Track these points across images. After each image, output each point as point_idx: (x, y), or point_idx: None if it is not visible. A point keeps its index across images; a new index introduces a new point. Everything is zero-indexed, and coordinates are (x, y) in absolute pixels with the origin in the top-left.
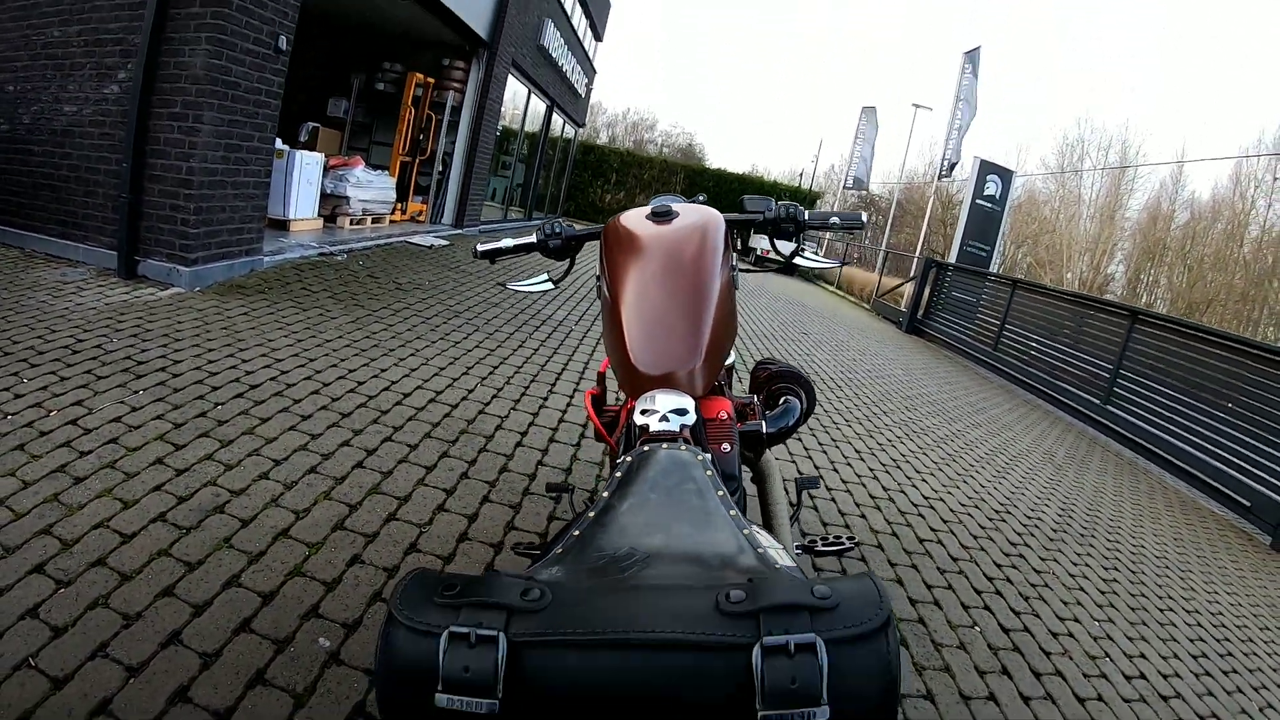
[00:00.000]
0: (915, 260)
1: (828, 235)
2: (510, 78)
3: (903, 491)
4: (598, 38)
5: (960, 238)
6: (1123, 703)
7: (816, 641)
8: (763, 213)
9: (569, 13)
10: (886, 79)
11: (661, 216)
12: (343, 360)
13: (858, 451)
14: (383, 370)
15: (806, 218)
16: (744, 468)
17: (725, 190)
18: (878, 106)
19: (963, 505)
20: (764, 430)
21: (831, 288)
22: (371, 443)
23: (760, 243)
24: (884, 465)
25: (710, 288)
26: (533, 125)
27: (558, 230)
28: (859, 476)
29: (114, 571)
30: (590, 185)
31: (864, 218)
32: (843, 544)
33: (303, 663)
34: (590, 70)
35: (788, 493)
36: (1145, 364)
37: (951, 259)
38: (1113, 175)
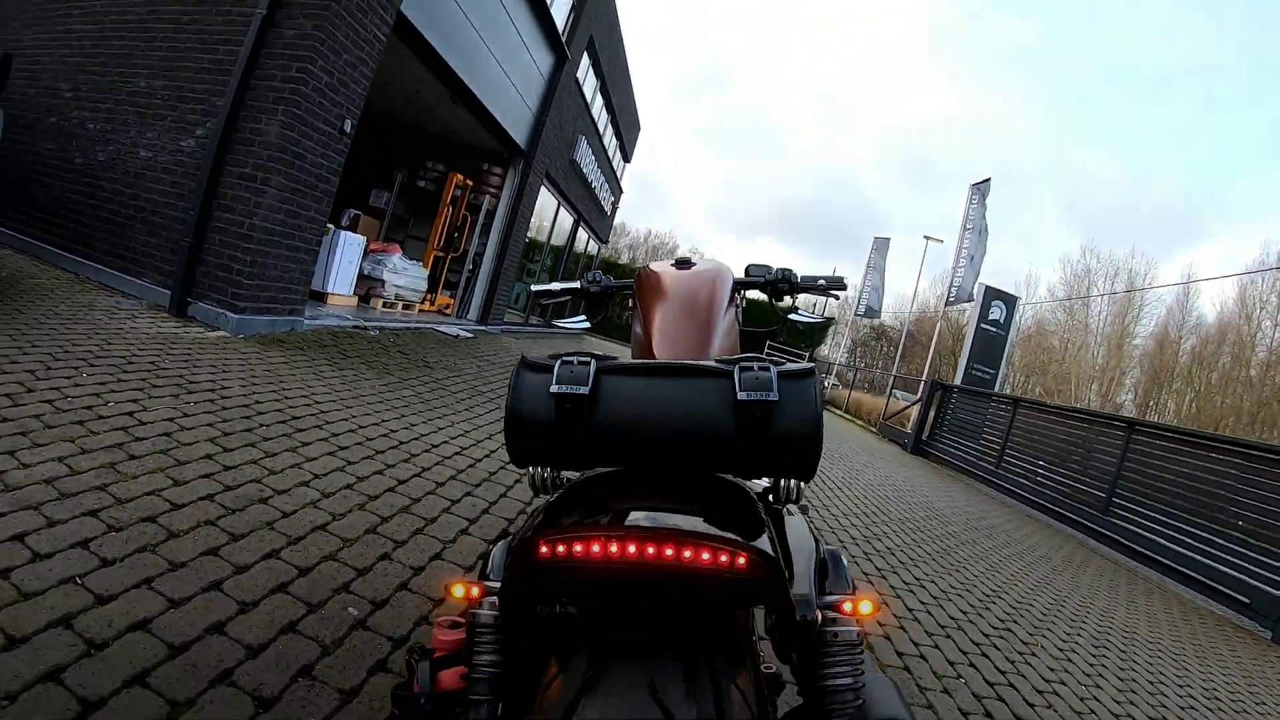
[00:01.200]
0: (921, 384)
1: (836, 366)
2: (543, 188)
3: (895, 572)
4: (626, 158)
5: (965, 361)
6: None
7: (770, 367)
8: (764, 275)
9: (601, 132)
10: (900, 211)
11: (683, 264)
12: (375, 411)
13: (854, 539)
14: (412, 425)
15: (799, 279)
16: None
17: (744, 312)
18: (891, 238)
19: (954, 588)
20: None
21: (840, 411)
22: (402, 475)
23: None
24: (878, 551)
25: (719, 321)
26: (559, 237)
27: (599, 279)
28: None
29: (163, 529)
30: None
31: (845, 280)
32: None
33: (331, 623)
34: (617, 189)
35: None
36: (1142, 472)
37: (957, 381)
38: (1119, 304)
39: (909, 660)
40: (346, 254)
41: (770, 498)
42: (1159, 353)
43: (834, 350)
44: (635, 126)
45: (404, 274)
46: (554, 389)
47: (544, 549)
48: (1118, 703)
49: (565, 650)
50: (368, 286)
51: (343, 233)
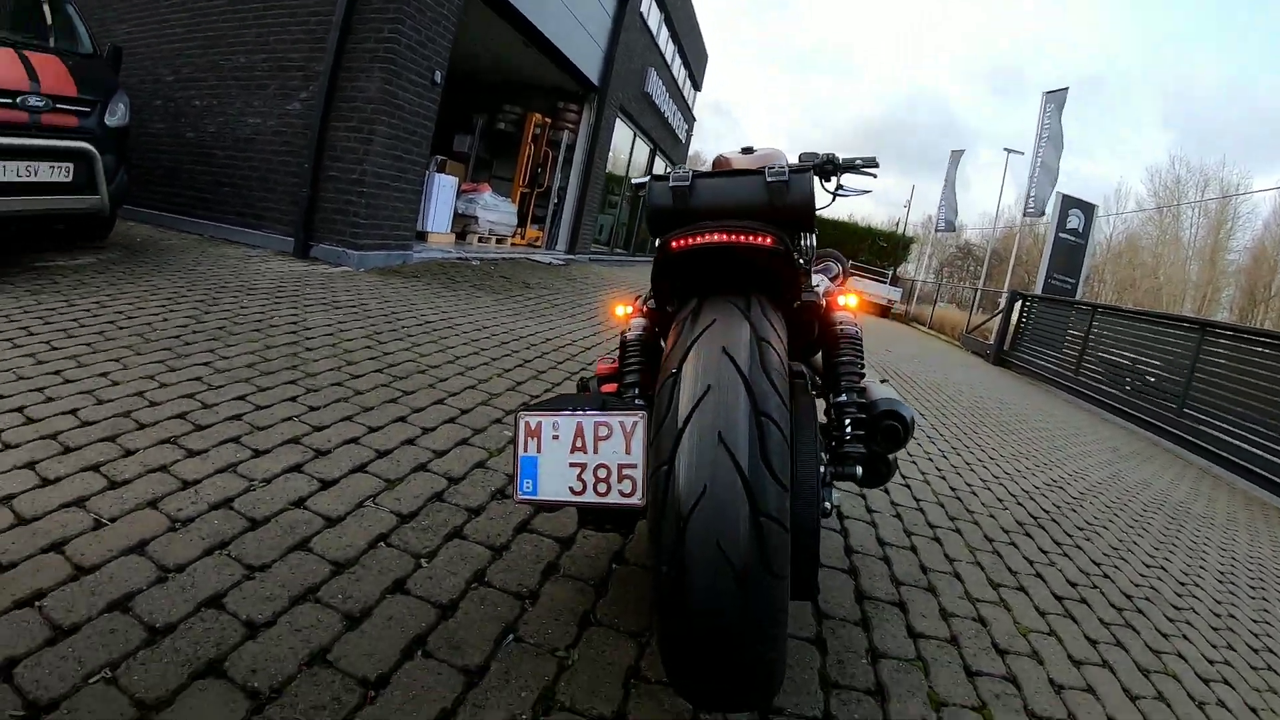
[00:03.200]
0: (1002, 296)
1: (921, 283)
2: (618, 121)
3: (982, 464)
4: (696, 87)
5: (1045, 271)
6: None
7: (786, 170)
8: (812, 160)
9: (669, 62)
10: (988, 124)
11: (747, 150)
12: (493, 318)
13: (948, 442)
14: (524, 327)
15: (841, 160)
16: None
17: (823, 235)
18: (965, 150)
19: (1030, 468)
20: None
21: (924, 328)
22: (528, 356)
23: (853, 285)
24: (963, 445)
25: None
26: (637, 169)
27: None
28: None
29: (350, 389)
30: None
31: (877, 160)
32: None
33: (492, 439)
34: (690, 117)
35: None
36: (1216, 374)
37: (1037, 291)
38: (1212, 217)
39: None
40: (441, 194)
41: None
42: (1255, 267)
43: (918, 269)
44: (703, 55)
45: (495, 210)
46: (671, 184)
47: (674, 244)
48: (1153, 554)
49: (685, 305)
50: (463, 224)
51: (437, 175)
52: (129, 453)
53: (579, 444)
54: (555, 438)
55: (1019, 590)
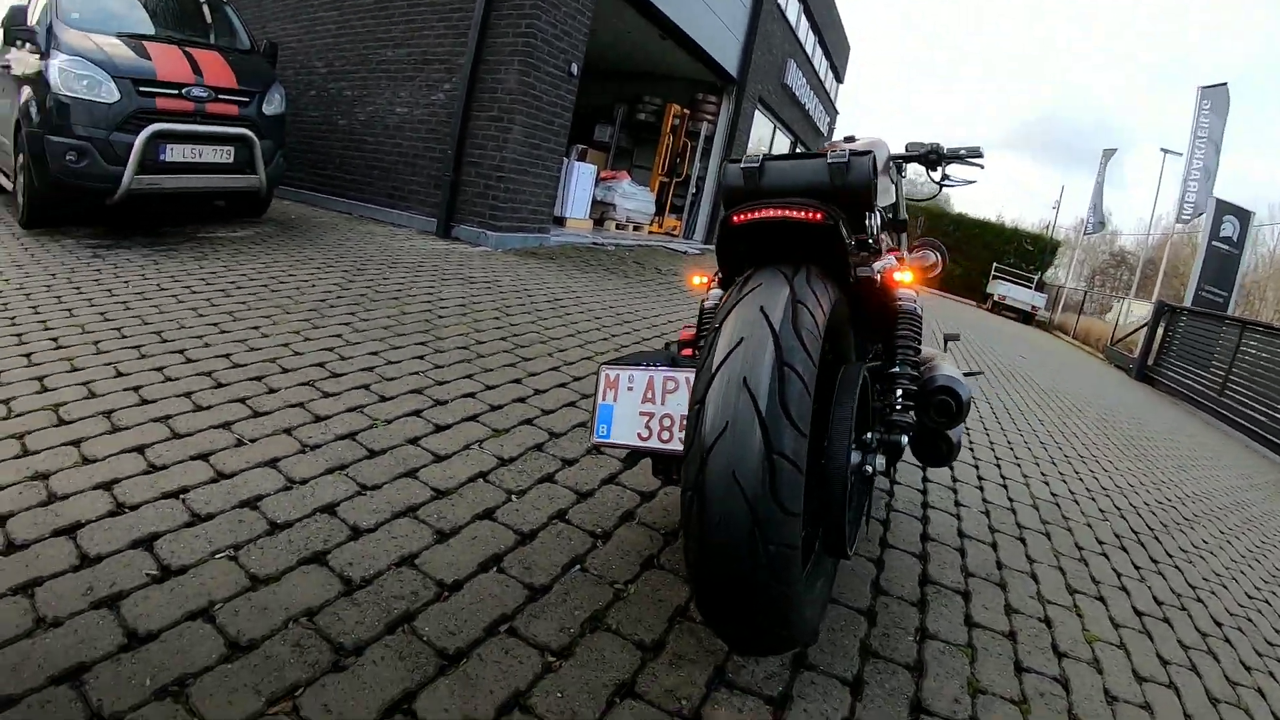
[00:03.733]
0: (1151, 307)
1: (1070, 290)
2: (757, 112)
3: (1093, 475)
4: (838, 79)
5: (1195, 282)
6: None
7: (847, 153)
8: (918, 150)
9: (809, 54)
10: (1148, 121)
11: (849, 139)
12: (620, 298)
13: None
14: (647, 308)
15: (945, 150)
16: None
17: (967, 235)
18: (1117, 149)
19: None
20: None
21: (1068, 337)
22: (645, 335)
23: (998, 289)
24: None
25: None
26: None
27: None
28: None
29: (472, 353)
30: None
31: (982, 149)
32: (972, 371)
33: None
34: (832, 110)
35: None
36: None
37: (1186, 303)
38: None
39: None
40: (580, 182)
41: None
42: None
43: (1068, 275)
44: (845, 47)
45: (633, 198)
46: (742, 166)
47: (734, 219)
48: (1259, 587)
49: (743, 274)
50: (601, 210)
51: (576, 163)
52: (272, 390)
53: (649, 395)
54: (629, 389)
55: (1097, 599)
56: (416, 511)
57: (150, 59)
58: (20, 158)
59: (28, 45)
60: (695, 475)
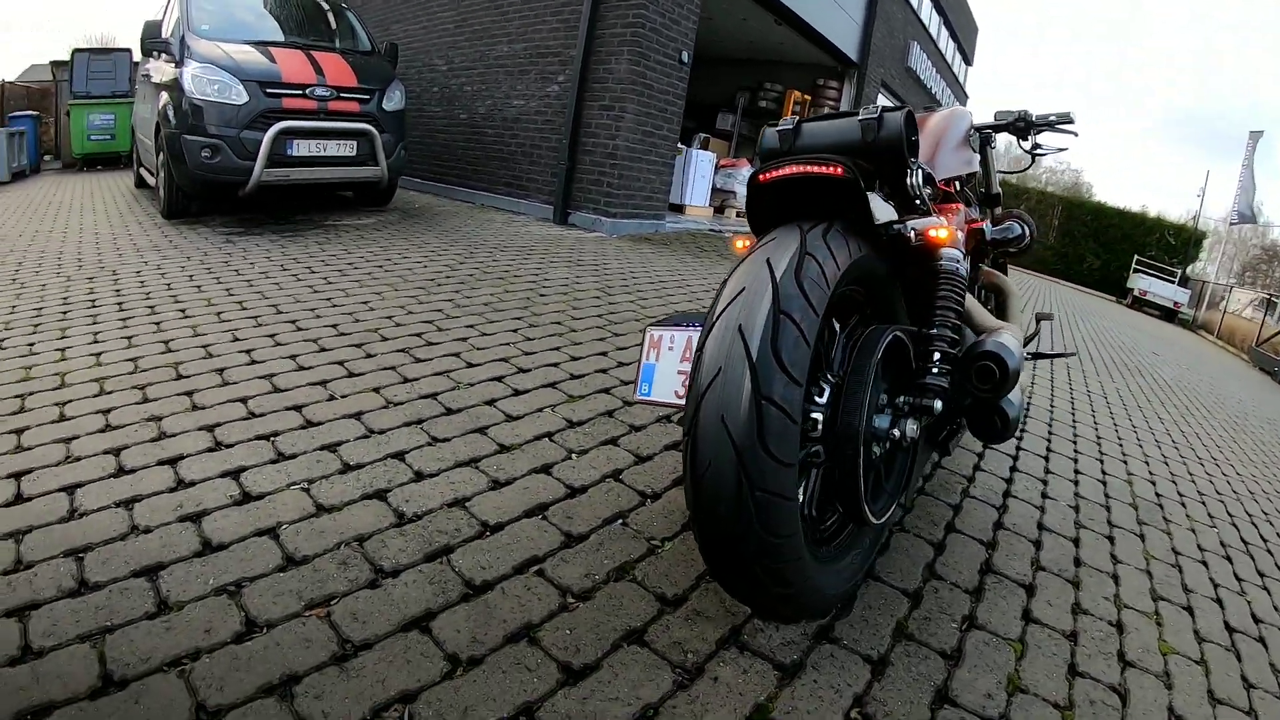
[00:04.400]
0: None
1: (1219, 286)
2: (880, 96)
3: (1209, 478)
4: (967, 62)
5: None
6: None
7: (879, 108)
8: (1006, 119)
9: (935, 37)
10: None
11: (929, 109)
12: None
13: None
14: None
15: (1034, 118)
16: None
17: (1105, 225)
18: (1264, 131)
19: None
20: (988, 233)
21: (1211, 337)
22: None
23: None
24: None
25: (938, 143)
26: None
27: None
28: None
29: (564, 328)
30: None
31: (1072, 115)
32: (1063, 353)
33: None
34: (962, 94)
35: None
36: None
37: None
38: None
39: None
40: (699, 170)
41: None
42: None
43: (1217, 270)
44: (972, 28)
45: None
46: (779, 128)
47: (761, 177)
48: None
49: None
50: (721, 198)
51: (694, 151)
52: (369, 355)
53: (687, 355)
54: (670, 349)
55: (1184, 610)
56: (478, 463)
57: (276, 63)
58: (161, 156)
59: (164, 55)
60: (690, 421)
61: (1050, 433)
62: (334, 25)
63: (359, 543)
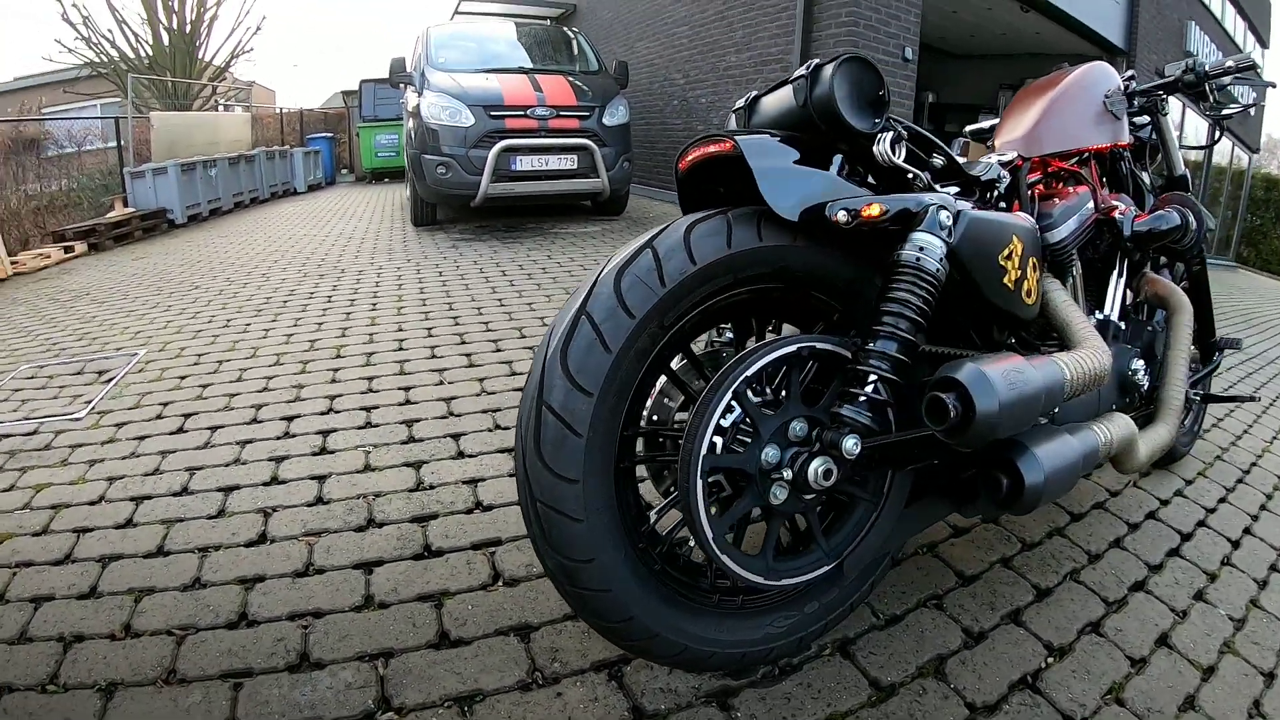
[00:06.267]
0: None
1: None
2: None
3: None
4: (1263, 44)
5: None
6: None
7: (813, 64)
8: (1172, 75)
9: (1218, 16)
10: None
11: (1060, 67)
12: None
13: None
14: None
15: (1207, 69)
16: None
17: None
18: None
19: None
20: (1123, 224)
21: None
22: None
23: None
24: None
25: (1053, 108)
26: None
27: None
28: None
29: None
30: (1274, 229)
31: (1252, 57)
32: (1242, 396)
33: None
34: (1260, 84)
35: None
36: None
37: None
38: None
39: None
40: None
41: None
42: None
43: None
44: (1264, 4)
45: None
46: (736, 106)
47: (682, 163)
48: None
49: None
50: None
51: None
52: (530, 348)
53: None
54: None
55: None
56: None
57: (500, 87)
58: (409, 172)
59: (410, 88)
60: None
61: None
62: (565, 50)
63: None
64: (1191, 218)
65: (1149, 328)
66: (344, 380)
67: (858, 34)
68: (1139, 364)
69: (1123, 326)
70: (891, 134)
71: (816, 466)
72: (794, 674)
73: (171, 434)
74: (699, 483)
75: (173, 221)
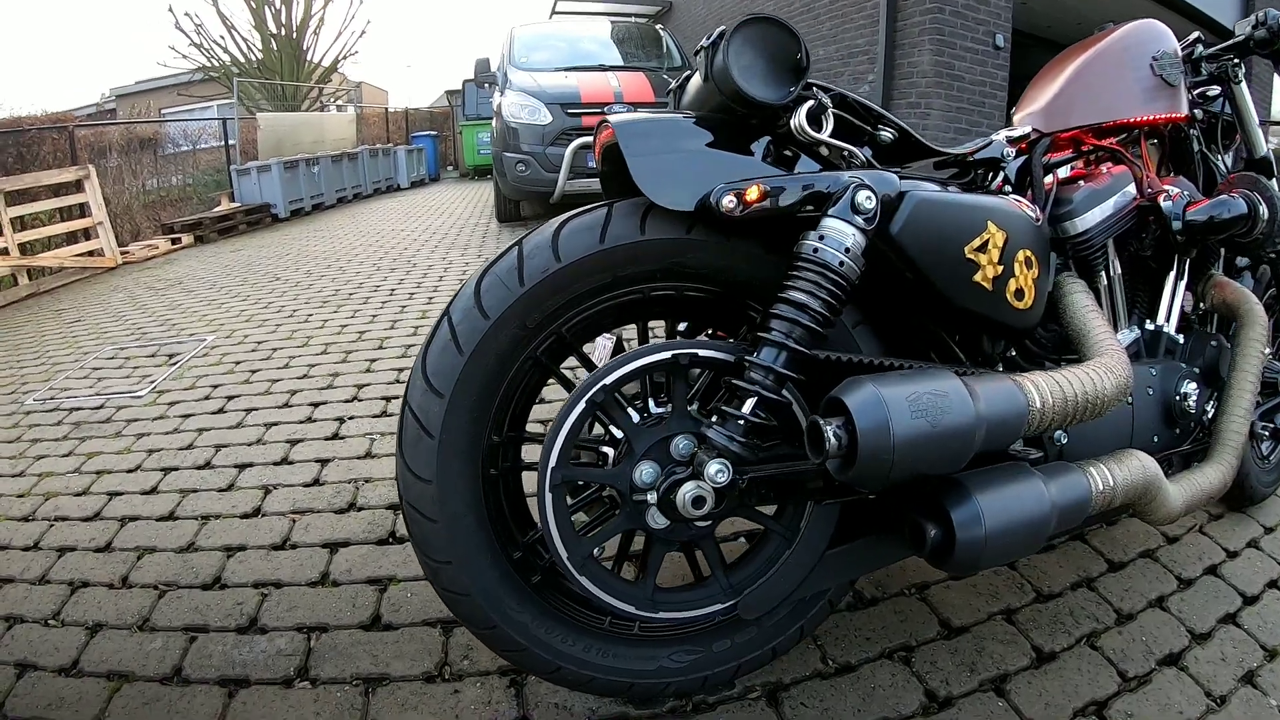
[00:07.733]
0: None
1: None
2: (1275, 75)
3: None
4: None
5: None
6: None
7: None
8: (1244, 32)
9: None
10: None
11: (1103, 27)
12: None
13: None
14: None
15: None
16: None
17: None
18: None
19: None
20: (1171, 212)
21: None
22: None
23: None
24: None
25: (1082, 74)
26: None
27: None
28: None
29: None
30: None
31: None
32: None
33: None
34: None
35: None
36: None
37: None
38: None
39: None
40: None
41: None
42: None
43: None
44: None
45: None
46: (669, 88)
47: (595, 153)
48: None
49: None
50: None
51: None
52: None
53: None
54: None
55: None
56: None
57: (577, 85)
58: (493, 170)
59: (494, 87)
60: None
61: None
62: (652, 48)
63: None
64: (1263, 205)
65: (1212, 343)
66: (377, 370)
67: (942, 21)
68: (1192, 387)
69: (1179, 340)
70: (811, 104)
71: (685, 492)
72: (706, 712)
73: (212, 414)
74: (549, 494)
75: (276, 216)
